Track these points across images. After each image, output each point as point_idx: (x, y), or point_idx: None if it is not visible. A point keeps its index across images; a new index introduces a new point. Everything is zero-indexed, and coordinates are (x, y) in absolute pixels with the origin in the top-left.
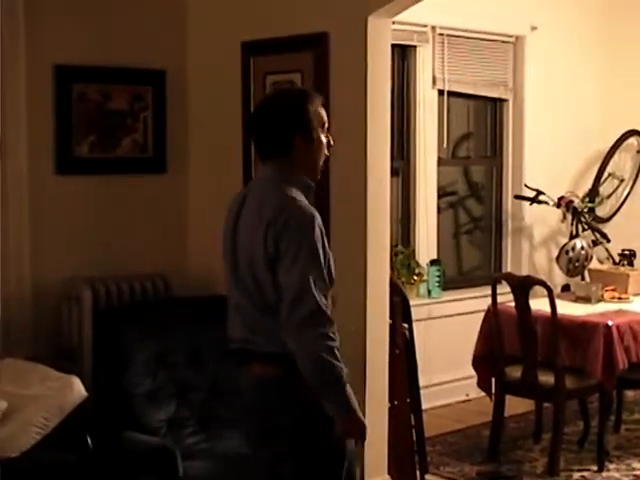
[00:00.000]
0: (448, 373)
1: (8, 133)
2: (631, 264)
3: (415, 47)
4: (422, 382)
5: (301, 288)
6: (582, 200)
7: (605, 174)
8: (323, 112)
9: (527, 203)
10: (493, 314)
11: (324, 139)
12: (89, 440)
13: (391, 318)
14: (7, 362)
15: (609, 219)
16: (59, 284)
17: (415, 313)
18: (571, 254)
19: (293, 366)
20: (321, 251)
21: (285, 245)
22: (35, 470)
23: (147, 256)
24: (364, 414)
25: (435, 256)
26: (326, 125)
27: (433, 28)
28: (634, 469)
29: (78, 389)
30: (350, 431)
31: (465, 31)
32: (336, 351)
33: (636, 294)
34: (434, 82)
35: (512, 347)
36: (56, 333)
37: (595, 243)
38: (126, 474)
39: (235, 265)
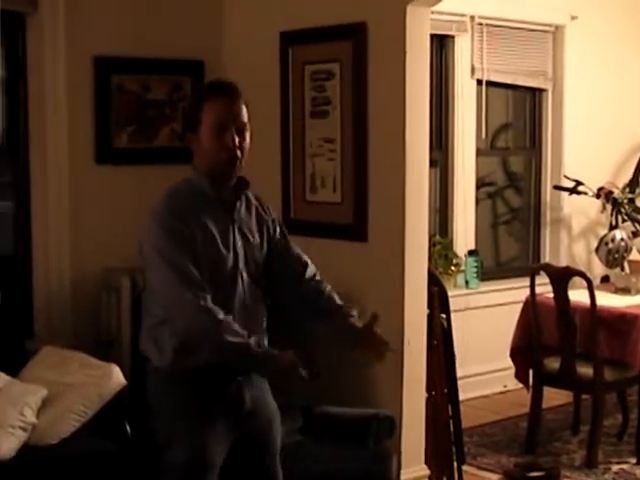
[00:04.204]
0: (485, 364)
1: (49, 124)
2: None
3: (453, 37)
4: (459, 373)
5: (163, 290)
6: (622, 191)
7: None
8: (215, 111)
9: (566, 194)
10: (531, 305)
11: (215, 141)
12: (128, 428)
13: (429, 308)
14: (48, 350)
15: None
16: (98, 274)
17: (453, 304)
18: (610, 245)
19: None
20: (173, 246)
21: (147, 261)
22: (74, 457)
23: None
24: (401, 404)
25: (473, 247)
26: (219, 125)
27: (472, 17)
28: None
29: (117, 377)
30: (288, 371)
31: (504, 20)
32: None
33: None
34: (473, 72)
35: (550, 338)
36: (95, 322)
37: (635, 234)
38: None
39: None
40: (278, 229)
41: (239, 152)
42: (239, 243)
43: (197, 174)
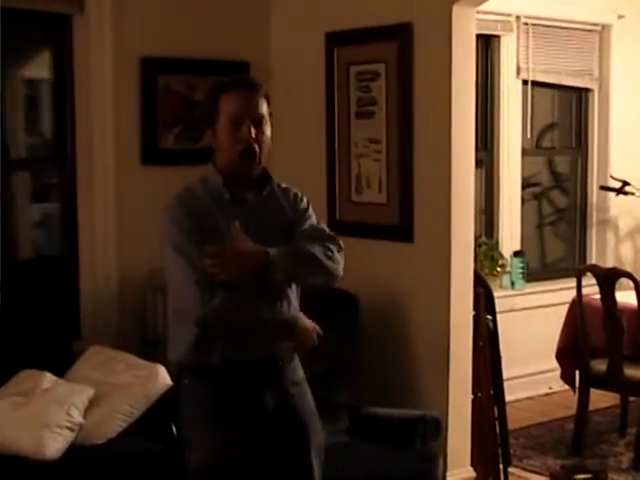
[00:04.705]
0: (531, 365)
1: (95, 124)
2: None
3: (499, 37)
4: (505, 374)
5: (177, 281)
6: None
7: None
8: (231, 104)
9: (612, 194)
10: (578, 306)
11: (231, 135)
12: (174, 428)
13: (475, 310)
14: (95, 350)
15: None
16: (144, 274)
17: (498, 305)
18: None
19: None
20: (186, 240)
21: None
22: (120, 457)
23: None
24: (447, 405)
25: (519, 247)
26: (241, 118)
27: (517, 17)
28: None
29: (163, 378)
30: (300, 339)
31: (550, 20)
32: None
33: None
34: (518, 72)
35: (597, 340)
36: (141, 322)
37: None
38: None
39: None
40: (296, 214)
41: (256, 145)
42: (254, 238)
43: (213, 171)
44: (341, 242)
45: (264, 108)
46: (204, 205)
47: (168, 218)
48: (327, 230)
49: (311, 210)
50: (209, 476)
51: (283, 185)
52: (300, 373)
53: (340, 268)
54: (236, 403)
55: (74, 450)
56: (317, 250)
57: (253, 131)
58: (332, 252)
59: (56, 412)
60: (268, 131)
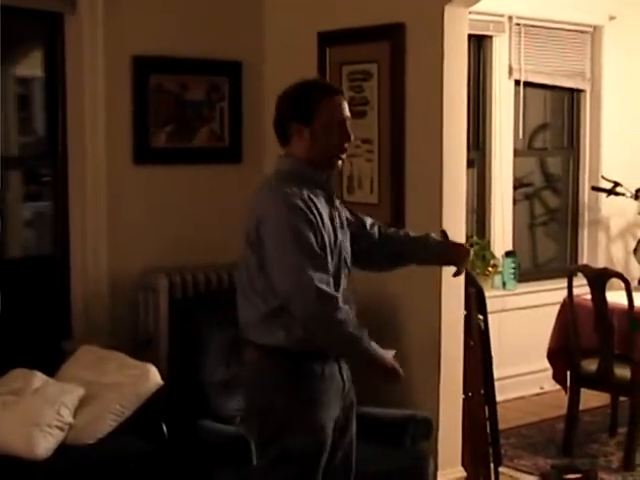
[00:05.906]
0: (522, 365)
1: (87, 123)
2: None
3: (491, 37)
4: (496, 374)
5: (292, 277)
6: None
7: None
8: (335, 109)
9: (604, 195)
10: (569, 307)
11: (335, 135)
12: (164, 428)
13: (466, 309)
14: (85, 349)
15: None
16: (136, 274)
17: (489, 305)
18: None
19: (269, 353)
20: (304, 228)
21: (268, 240)
22: (111, 457)
23: (223, 246)
24: (438, 405)
25: (510, 248)
26: (338, 121)
27: (510, 18)
28: None
29: (154, 377)
30: (381, 377)
31: (542, 21)
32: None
33: None
34: (510, 72)
35: (588, 340)
36: (133, 322)
37: None
38: (201, 463)
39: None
40: (347, 211)
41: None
42: (340, 230)
43: (295, 161)
44: None
45: None
46: (308, 190)
47: (278, 199)
48: None
49: None
50: (310, 457)
51: None
52: None
53: None
54: (333, 382)
55: (64, 449)
56: None
57: (351, 133)
58: None
59: (46, 411)
60: None
